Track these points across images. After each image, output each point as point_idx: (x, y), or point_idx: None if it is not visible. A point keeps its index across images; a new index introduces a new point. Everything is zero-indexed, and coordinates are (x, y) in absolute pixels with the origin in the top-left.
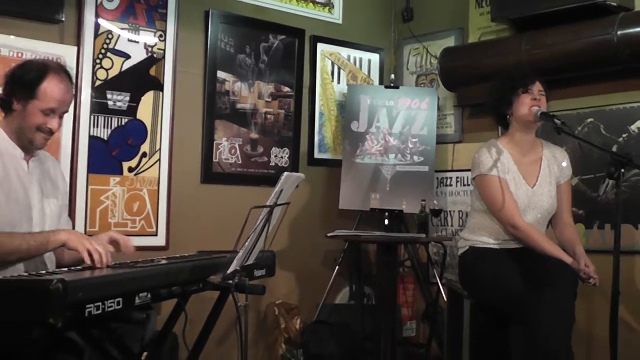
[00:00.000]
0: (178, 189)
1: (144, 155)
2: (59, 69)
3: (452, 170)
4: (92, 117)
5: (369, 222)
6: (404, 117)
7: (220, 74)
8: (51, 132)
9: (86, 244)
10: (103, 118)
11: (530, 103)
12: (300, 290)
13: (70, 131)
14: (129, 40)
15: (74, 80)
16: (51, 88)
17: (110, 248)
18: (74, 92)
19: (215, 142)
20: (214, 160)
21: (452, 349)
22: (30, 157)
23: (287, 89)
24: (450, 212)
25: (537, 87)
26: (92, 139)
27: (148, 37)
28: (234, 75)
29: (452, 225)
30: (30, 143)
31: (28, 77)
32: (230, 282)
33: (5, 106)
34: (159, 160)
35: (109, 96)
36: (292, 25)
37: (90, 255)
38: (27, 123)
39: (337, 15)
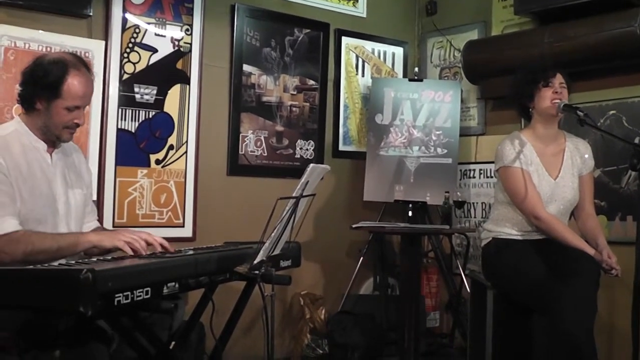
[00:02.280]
0: (204, 181)
1: (171, 147)
2: (78, 63)
3: (475, 162)
4: (120, 110)
5: (392, 214)
6: (427, 110)
7: (246, 67)
8: (77, 126)
9: (121, 237)
10: (130, 111)
11: (551, 96)
12: (325, 280)
13: (98, 124)
14: (156, 34)
15: (101, 74)
16: (74, 85)
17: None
18: (93, 79)
19: (241, 135)
20: (240, 153)
21: (475, 339)
22: (53, 149)
23: (311, 82)
24: (473, 203)
25: (558, 80)
26: (120, 132)
27: (174, 31)
28: (259, 68)
29: (475, 217)
30: (57, 138)
31: (49, 77)
32: (257, 272)
33: (26, 104)
34: (186, 152)
35: (136, 89)
36: (317, 19)
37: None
38: (53, 121)
39: (361, 9)
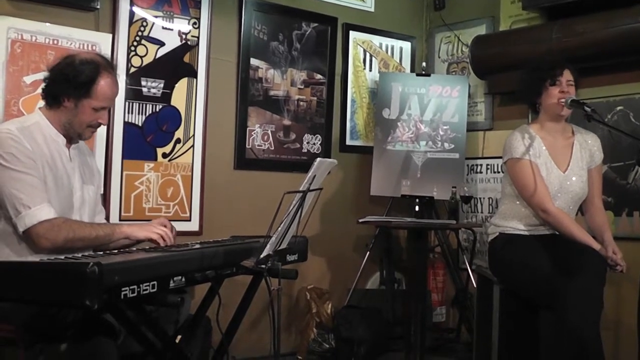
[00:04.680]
0: (211, 175)
1: (178, 141)
2: (108, 66)
3: (482, 157)
4: (127, 103)
5: (399, 208)
6: (434, 105)
7: (253, 61)
8: (99, 125)
9: (153, 229)
10: (137, 104)
11: (558, 95)
12: (331, 274)
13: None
14: (163, 28)
15: None
16: (105, 87)
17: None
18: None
19: (248, 129)
20: (247, 146)
21: (481, 334)
22: (71, 145)
23: (319, 76)
24: (480, 198)
25: (566, 78)
26: (127, 125)
27: (182, 25)
28: (266, 62)
29: (481, 212)
30: (78, 136)
31: (81, 77)
32: (263, 266)
33: (51, 100)
34: (193, 146)
35: (143, 83)
36: (325, 13)
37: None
38: (78, 120)
39: (369, 3)
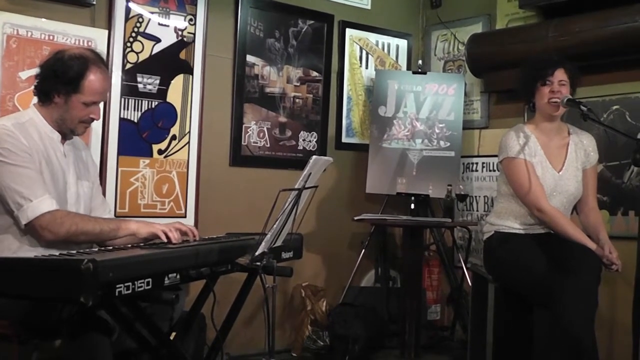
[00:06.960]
0: (207, 171)
1: (174, 137)
2: (98, 60)
3: (478, 156)
4: (123, 99)
5: (395, 206)
6: (431, 103)
7: (250, 58)
8: (92, 121)
9: (158, 227)
10: (133, 100)
11: (548, 95)
12: (326, 272)
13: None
14: (159, 24)
15: None
16: (94, 82)
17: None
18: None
19: (244, 125)
20: (243, 143)
21: (475, 332)
22: (65, 140)
23: (315, 74)
24: (475, 197)
25: (558, 77)
26: (123, 121)
27: (178, 21)
28: (263, 59)
29: (477, 210)
30: (71, 132)
31: (70, 73)
32: (258, 263)
33: (43, 96)
34: (188, 142)
35: (139, 79)
36: (321, 10)
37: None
38: (70, 116)
39: (365, 1)
